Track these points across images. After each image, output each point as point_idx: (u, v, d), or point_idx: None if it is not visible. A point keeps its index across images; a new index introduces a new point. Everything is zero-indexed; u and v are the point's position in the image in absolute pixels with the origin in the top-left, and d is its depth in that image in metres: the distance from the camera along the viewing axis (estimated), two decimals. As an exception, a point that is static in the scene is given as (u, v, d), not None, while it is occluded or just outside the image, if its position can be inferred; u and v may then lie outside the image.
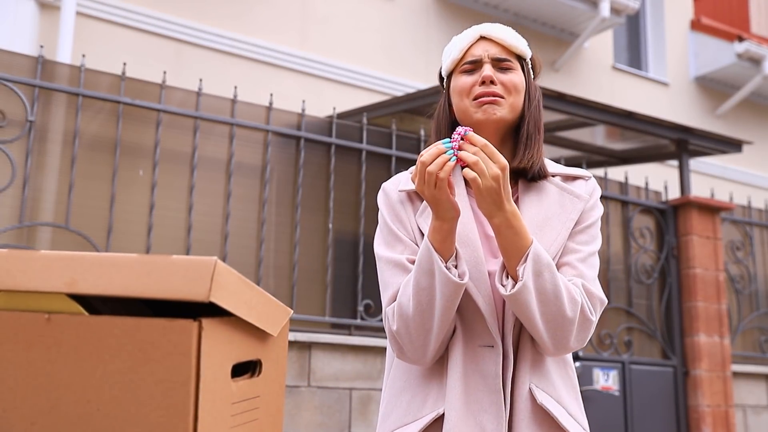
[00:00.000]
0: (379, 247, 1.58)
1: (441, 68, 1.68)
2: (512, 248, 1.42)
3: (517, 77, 1.58)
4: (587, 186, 1.61)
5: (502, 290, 1.43)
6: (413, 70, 8.16)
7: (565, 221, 1.55)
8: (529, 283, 1.39)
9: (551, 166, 1.64)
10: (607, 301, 1.55)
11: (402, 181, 1.62)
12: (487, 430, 1.45)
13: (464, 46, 1.59)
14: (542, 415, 1.48)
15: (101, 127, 4.49)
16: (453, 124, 1.61)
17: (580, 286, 1.48)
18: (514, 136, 1.61)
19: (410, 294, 1.45)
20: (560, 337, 1.44)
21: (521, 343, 1.51)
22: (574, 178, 1.62)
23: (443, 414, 1.47)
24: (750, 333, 6.66)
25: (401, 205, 1.59)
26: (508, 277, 1.44)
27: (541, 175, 1.59)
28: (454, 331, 1.51)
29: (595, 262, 1.56)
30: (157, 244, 4.47)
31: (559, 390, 1.51)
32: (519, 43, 1.61)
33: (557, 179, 1.61)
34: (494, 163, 1.39)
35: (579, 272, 1.51)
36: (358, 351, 4.73)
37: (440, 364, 1.52)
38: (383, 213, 1.61)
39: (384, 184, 1.66)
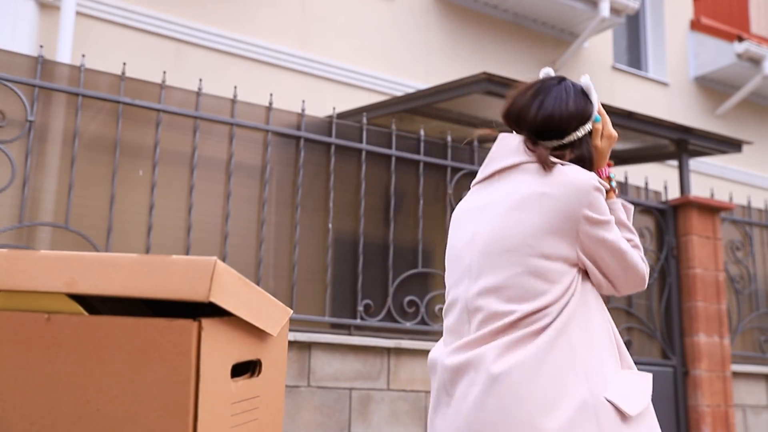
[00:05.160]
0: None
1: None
2: None
3: None
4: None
5: None
6: (413, 71, 8.16)
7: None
8: None
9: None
10: None
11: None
12: None
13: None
14: None
15: (101, 127, 4.49)
16: None
17: None
18: None
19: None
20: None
21: None
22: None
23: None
24: (750, 333, 6.66)
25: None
26: None
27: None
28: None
29: None
30: (157, 244, 4.46)
31: None
32: None
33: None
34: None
35: None
36: (358, 351, 4.73)
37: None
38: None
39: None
